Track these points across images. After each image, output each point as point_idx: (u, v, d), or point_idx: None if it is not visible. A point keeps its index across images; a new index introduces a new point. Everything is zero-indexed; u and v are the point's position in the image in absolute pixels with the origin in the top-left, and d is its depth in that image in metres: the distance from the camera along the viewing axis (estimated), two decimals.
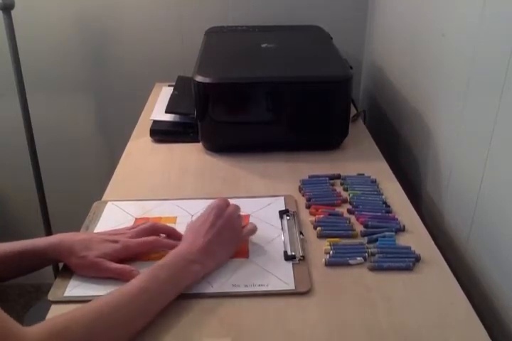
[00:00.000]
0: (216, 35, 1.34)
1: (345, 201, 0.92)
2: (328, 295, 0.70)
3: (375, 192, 0.93)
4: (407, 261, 0.75)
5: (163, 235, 0.80)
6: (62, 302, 0.69)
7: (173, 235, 0.80)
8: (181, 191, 0.96)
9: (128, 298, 0.63)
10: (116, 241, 0.75)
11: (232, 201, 0.89)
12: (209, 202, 0.81)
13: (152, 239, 0.77)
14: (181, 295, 0.69)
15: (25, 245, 0.72)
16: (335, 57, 1.14)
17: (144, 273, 0.67)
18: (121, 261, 0.74)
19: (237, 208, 0.80)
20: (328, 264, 0.76)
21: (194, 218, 0.80)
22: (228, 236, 0.76)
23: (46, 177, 1.54)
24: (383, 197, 0.92)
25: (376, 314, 0.67)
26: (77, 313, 0.60)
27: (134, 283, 0.65)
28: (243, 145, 1.10)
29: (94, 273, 0.72)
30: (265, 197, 0.92)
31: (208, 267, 0.72)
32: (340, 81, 1.05)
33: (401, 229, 0.83)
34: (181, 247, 0.72)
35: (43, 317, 0.63)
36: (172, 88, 1.29)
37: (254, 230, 0.81)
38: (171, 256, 0.70)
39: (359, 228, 0.84)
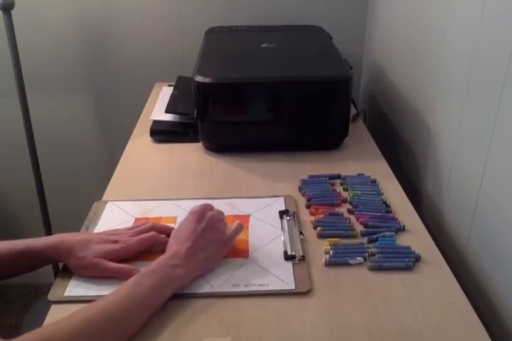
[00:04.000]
0: (216, 35, 1.34)
1: (345, 201, 0.92)
2: (328, 295, 0.70)
3: (375, 192, 0.93)
4: (407, 261, 0.75)
5: (163, 235, 0.79)
6: (62, 302, 0.69)
7: None
8: (181, 191, 0.96)
9: (114, 307, 0.63)
10: (115, 242, 0.75)
11: (232, 201, 0.90)
12: (209, 202, 0.81)
13: (151, 235, 0.77)
14: (181, 295, 0.69)
15: (25, 244, 0.72)
16: (335, 57, 1.14)
17: (129, 281, 0.67)
18: (121, 261, 0.74)
19: (219, 212, 0.79)
20: (328, 264, 0.76)
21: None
22: (211, 239, 0.74)
23: (46, 177, 1.54)
24: (383, 197, 0.92)
25: (376, 314, 0.67)
26: (62, 324, 0.59)
27: (119, 291, 0.65)
28: (243, 145, 1.10)
29: (93, 273, 0.72)
30: (265, 198, 0.92)
31: (192, 271, 0.71)
32: (340, 81, 1.05)
33: (401, 229, 0.83)
34: (165, 254, 0.72)
35: (43, 317, 0.63)
36: (172, 88, 1.29)
37: (239, 228, 0.79)
38: (154, 263, 0.70)
39: (359, 228, 0.84)
